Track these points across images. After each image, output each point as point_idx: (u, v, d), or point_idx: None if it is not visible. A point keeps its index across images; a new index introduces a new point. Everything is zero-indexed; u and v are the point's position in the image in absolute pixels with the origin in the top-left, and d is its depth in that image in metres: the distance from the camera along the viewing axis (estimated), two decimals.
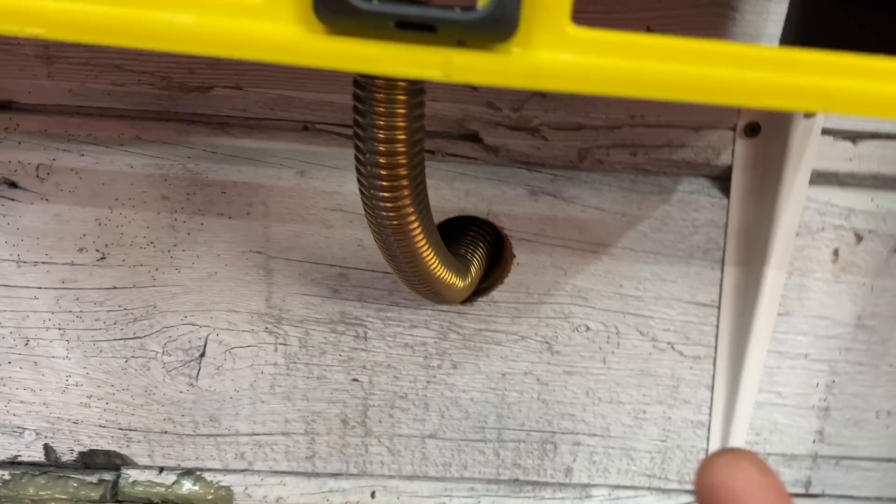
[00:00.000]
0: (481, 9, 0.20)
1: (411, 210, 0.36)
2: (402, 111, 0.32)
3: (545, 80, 0.20)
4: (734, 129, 0.46)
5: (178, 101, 0.45)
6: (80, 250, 0.47)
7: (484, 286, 0.50)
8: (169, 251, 0.47)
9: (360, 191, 0.36)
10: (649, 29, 0.43)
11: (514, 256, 0.48)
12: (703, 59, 0.21)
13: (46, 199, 0.46)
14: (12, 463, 0.53)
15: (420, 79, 0.20)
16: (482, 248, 0.49)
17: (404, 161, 0.34)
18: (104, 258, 0.47)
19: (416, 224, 0.37)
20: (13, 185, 0.46)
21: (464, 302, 0.49)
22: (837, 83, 0.22)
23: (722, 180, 0.48)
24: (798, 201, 0.47)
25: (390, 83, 0.31)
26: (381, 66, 0.20)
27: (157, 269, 0.48)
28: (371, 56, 0.20)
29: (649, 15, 0.43)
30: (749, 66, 0.21)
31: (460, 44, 0.21)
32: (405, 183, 0.35)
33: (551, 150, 0.46)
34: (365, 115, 0.32)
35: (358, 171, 0.35)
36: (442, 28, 0.20)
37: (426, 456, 0.53)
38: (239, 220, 0.47)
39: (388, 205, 0.35)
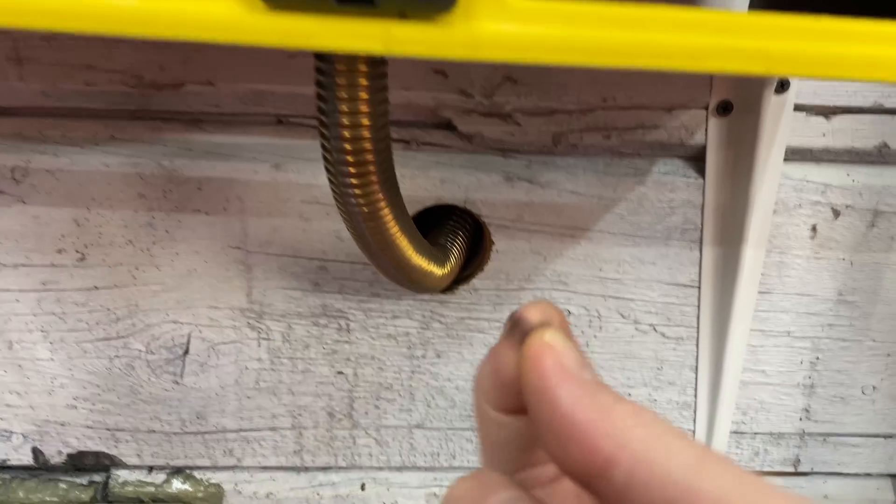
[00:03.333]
0: None
1: (380, 196, 0.36)
2: (364, 96, 0.32)
3: (487, 50, 0.21)
4: (706, 108, 0.47)
5: (151, 99, 0.45)
6: (60, 251, 0.47)
7: (465, 274, 0.50)
8: (148, 249, 0.47)
9: (329, 179, 0.36)
10: None
11: (493, 243, 0.49)
12: (644, 26, 0.21)
13: (23, 201, 0.46)
14: (1, 467, 0.53)
15: (361, 52, 0.20)
16: (462, 236, 0.49)
17: (370, 147, 0.34)
18: (84, 258, 0.47)
19: (386, 210, 0.37)
20: None
21: (445, 290, 0.50)
22: (802, 46, 0.22)
23: (696, 160, 0.48)
24: (773, 178, 0.47)
25: (350, 67, 0.31)
26: (322, 41, 0.20)
27: (136, 268, 0.48)
28: (312, 31, 0.20)
29: None
30: (691, 29, 0.21)
31: (402, 16, 0.21)
32: (372, 169, 0.35)
33: (525, 135, 0.47)
34: (328, 101, 0.32)
35: (325, 158, 0.35)
36: (383, 2, 0.20)
37: (414, 446, 0.54)
38: (216, 216, 0.47)
39: (357, 191, 0.35)
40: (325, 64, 0.32)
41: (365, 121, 0.33)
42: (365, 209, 0.36)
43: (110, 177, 0.46)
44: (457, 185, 0.47)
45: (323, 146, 0.34)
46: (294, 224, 0.47)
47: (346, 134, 0.33)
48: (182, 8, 0.20)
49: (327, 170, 0.35)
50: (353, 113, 0.32)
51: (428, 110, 0.46)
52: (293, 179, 0.46)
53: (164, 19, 0.20)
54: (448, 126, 0.47)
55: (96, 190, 0.46)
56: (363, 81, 0.32)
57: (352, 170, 0.34)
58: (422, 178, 0.47)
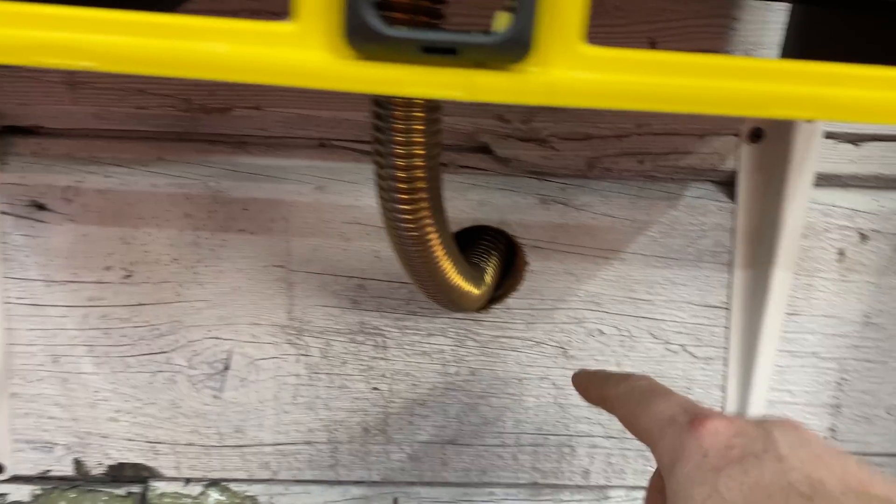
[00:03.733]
0: (499, 32, 0.22)
1: (430, 222, 0.37)
2: (420, 127, 0.33)
3: (561, 96, 0.22)
4: (738, 134, 0.48)
5: (199, 122, 0.46)
6: (107, 269, 0.49)
7: (498, 293, 0.52)
8: (193, 267, 0.49)
9: (381, 205, 0.37)
10: (653, 40, 0.45)
11: (527, 264, 0.50)
12: (709, 73, 0.22)
13: (74, 220, 0.47)
14: (43, 478, 0.54)
15: (444, 99, 0.21)
16: (495, 256, 0.51)
17: (422, 175, 0.35)
18: (130, 276, 0.49)
19: (434, 235, 0.38)
20: (41, 207, 0.47)
21: (479, 309, 0.51)
22: (837, 92, 0.23)
23: (728, 185, 0.49)
24: (802, 203, 0.49)
25: (408, 101, 0.33)
26: (408, 89, 0.21)
27: (181, 285, 0.49)
28: (399, 79, 0.22)
29: (652, 27, 0.44)
30: (752, 77, 0.22)
31: (479, 64, 0.22)
32: (423, 196, 0.36)
33: (561, 159, 0.48)
34: (384, 132, 0.34)
35: (378, 185, 0.36)
36: (463, 51, 0.22)
37: (446, 462, 0.55)
38: (261, 236, 0.48)
39: (408, 217, 0.37)
40: (385, 97, 0.33)
41: (419, 150, 0.34)
42: (414, 234, 0.38)
43: (158, 197, 0.47)
44: (493, 207, 0.48)
45: (377, 174, 0.36)
46: (335, 243, 0.49)
47: (401, 163, 0.34)
48: (273, 55, 0.22)
49: (380, 196, 0.37)
50: (409, 144, 0.34)
51: (466, 135, 0.47)
52: (335, 201, 0.48)
53: (255, 66, 0.22)
54: (485, 150, 0.48)
55: (144, 209, 0.47)
56: (419, 114, 0.33)
57: (404, 197, 0.36)
58: (460, 200, 0.48)
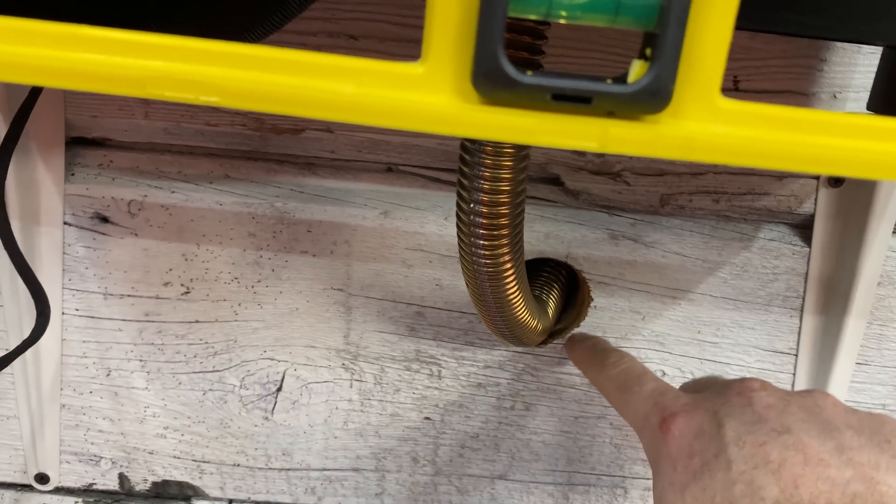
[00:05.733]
0: (637, 81, 0.21)
1: (508, 259, 0.36)
2: (508, 164, 0.32)
3: (699, 152, 0.21)
4: (818, 178, 0.46)
5: (268, 142, 0.46)
6: (166, 284, 0.48)
7: (558, 328, 0.50)
8: (252, 287, 0.48)
9: (459, 237, 0.36)
10: (736, 79, 0.44)
11: (592, 299, 0.48)
12: (853, 133, 0.21)
13: (136, 234, 0.47)
14: (87, 490, 0.54)
15: (576, 150, 0.20)
16: (556, 289, 0.49)
17: (506, 211, 0.34)
18: (188, 292, 0.48)
19: (511, 272, 0.37)
20: (105, 219, 0.47)
21: (538, 344, 0.50)
22: None
23: (803, 228, 0.48)
24: (881, 251, 0.47)
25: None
26: (538, 138, 0.21)
27: (239, 304, 0.48)
28: (528, 128, 0.21)
29: (737, 65, 0.43)
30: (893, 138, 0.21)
31: (610, 114, 0.21)
32: (505, 233, 0.35)
33: (633, 194, 0.47)
34: (472, 166, 0.33)
35: (458, 217, 0.35)
36: (597, 100, 0.21)
37: (495, 497, 0.53)
38: (322, 258, 0.47)
39: (486, 252, 0.36)
40: None
41: (505, 186, 0.33)
42: (491, 269, 0.37)
43: (222, 215, 0.46)
44: (560, 240, 0.47)
45: (459, 206, 0.35)
46: (396, 269, 0.48)
47: (485, 198, 0.33)
48: (399, 98, 0.21)
49: (459, 228, 0.36)
50: (496, 180, 0.33)
51: (537, 165, 0.46)
52: (400, 227, 0.47)
53: (380, 109, 0.21)
54: (555, 181, 0.47)
55: (207, 227, 0.47)
56: (509, 151, 0.32)
57: (484, 232, 0.35)
58: (526, 231, 0.47)
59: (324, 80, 0.21)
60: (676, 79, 0.21)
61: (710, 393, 0.33)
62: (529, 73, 0.21)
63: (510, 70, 0.20)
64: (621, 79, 0.21)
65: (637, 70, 0.21)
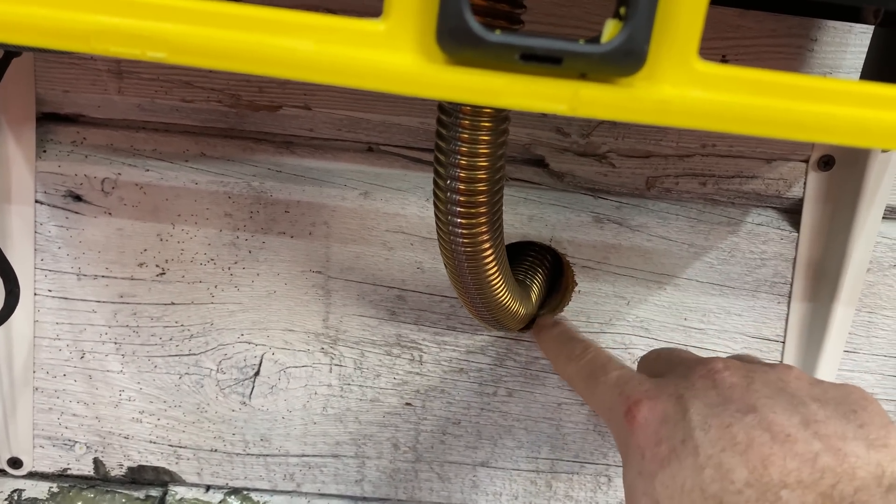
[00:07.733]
0: (610, 41, 0.20)
1: (486, 238, 0.35)
2: (486, 138, 0.31)
3: (674, 116, 0.20)
4: (807, 161, 0.45)
5: (245, 119, 0.45)
6: (141, 265, 0.47)
7: (541, 313, 0.49)
8: (229, 268, 0.47)
9: (436, 215, 0.35)
10: (724, 58, 0.43)
11: (576, 284, 0.48)
12: (838, 99, 0.20)
13: (110, 213, 0.46)
14: (61, 475, 0.53)
15: (545, 112, 0.19)
16: (541, 273, 0.48)
17: (484, 188, 0.33)
18: (164, 273, 0.47)
19: (489, 252, 0.36)
20: (78, 198, 0.46)
21: (521, 329, 0.49)
22: None
23: (792, 213, 0.47)
24: (870, 237, 0.46)
25: (476, 110, 0.31)
26: (505, 100, 0.19)
27: (216, 287, 0.47)
28: (495, 89, 0.20)
29: (725, 44, 0.42)
30: (883, 105, 0.20)
31: (582, 76, 0.20)
32: (483, 210, 0.34)
33: (618, 177, 0.46)
34: (448, 140, 0.32)
35: (435, 195, 0.34)
36: (568, 61, 0.20)
37: (476, 484, 0.52)
38: (300, 240, 0.46)
39: (464, 231, 0.35)
40: (452, 104, 0.31)
41: (483, 162, 0.32)
42: (469, 249, 0.36)
43: (198, 194, 0.45)
44: (544, 223, 0.46)
45: (436, 183, 0.34)
46: (377, 252, 0.47)
47: (463, 174, 0.32)
48: (360, 56, 0.20)
49: (436, 206, 0.35)
50: (473, 155, 0.32)
51: (521, 146, 0.45)
52: (380, 208, 0.46)
53: (340, 67, 0.20)
54: (540, 163, 0.46)
55: (183, 206, 0.46)
56: (487, 124, 0.31)
57: (462, 209, 0.34)
58: (509, 213, 0.46)
59: (280, 37, 0.20)
60: (651, 40, 0.20)
61: (674, 376, 0.32)
62: (497, 31, 0.20)
63: (476, 28, 0.19)
64: (594, 40, 0.20)
65: (610, 30, 0.20)
